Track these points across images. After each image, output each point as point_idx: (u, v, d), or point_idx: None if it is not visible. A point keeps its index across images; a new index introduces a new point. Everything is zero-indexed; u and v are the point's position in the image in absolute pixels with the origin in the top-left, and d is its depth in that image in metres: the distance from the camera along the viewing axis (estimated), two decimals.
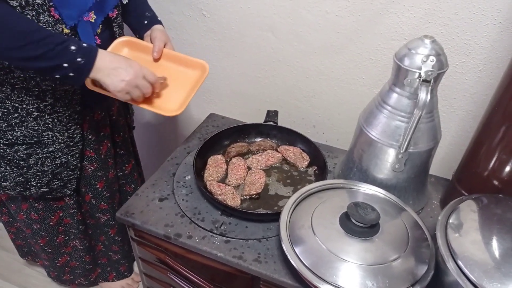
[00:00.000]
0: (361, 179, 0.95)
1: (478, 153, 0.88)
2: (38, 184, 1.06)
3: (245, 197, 0.98)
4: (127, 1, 1.01)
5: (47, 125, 0.98)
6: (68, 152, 1.05)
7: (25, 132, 0.97)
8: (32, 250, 1.45)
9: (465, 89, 1.05)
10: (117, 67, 0.85)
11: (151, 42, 1.02)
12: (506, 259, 0.68)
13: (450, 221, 0.76)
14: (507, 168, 0.84)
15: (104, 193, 1.23)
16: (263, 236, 0.89)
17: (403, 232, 0.79)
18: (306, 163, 1.09)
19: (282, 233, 0.79)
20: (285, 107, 1.32)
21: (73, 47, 0.79)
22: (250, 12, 1.17)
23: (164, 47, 1.01)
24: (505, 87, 0.80)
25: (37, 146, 1.00)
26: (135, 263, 1.56)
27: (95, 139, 1.12)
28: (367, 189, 0.92)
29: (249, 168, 1.06)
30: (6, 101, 0.92)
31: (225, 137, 1.14)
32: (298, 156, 1.10)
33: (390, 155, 0.87)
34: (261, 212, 0.94)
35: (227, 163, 1.07)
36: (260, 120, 1.21)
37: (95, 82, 0.91)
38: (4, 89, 0.90)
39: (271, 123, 1.18)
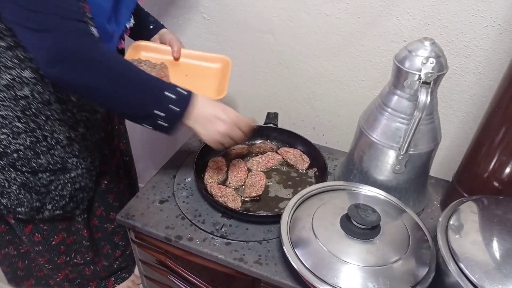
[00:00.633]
0: (361, 181, 0.95)
1: (478, 155, 0.89)
2: (54, 208, 1.03)
3: (245, 199, 0.98)
4: (131, 25, 1.00)
5: (74, 152, 0.97)
6: (87, 177, 1.05)
7: (50, 159, 0.94)
8: (18, 275, 1.36)
9: (464, 90, 1.05)
10: (212, 117, 0.83)
11: (163, 43, 1.06)
12: (507, 260, 0.68)
13: (451, 222, 0.76)
14: (507, 169, 0.85)
15: (115, 204, 1.23)
16: (263, 238, 0.89)
17: (403, 234, 0.79)
18: (306, 165, 1.09)
19: (283, 235, 0.79)
20: (285, 109, 1.32)
21: (169, 94, 0.78)
22: (250, 15, 1.18)
23: None
24: (504, 88, 0.81)
25: (60, 172, 0.98)
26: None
27: (107, 152, 1.12)
28: (367, 190, 0.92)
29: (249, 170, 1.06)
30: (38, 130, 0.89)
31: None
32: (298, 158, 1.10)
33: (391, 156, 0.87)
34: (262, 214, 0.94)
35: (227, 165, 1.07)
36: (260, 122, 1.21)
37: None
38: (37, 120, 0.88)
39: (271, 125, 1.18)
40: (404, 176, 0.90)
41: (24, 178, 0.94)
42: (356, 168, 0.96)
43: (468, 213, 0.79)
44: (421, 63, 0.77)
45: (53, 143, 0.93)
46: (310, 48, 1.16)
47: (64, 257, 1.25)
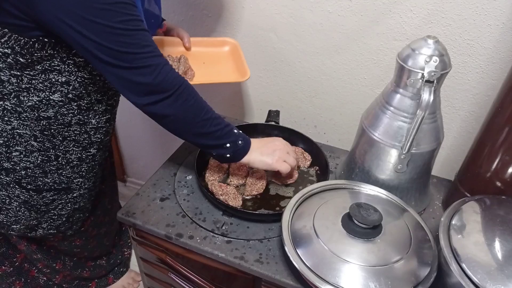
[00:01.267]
0: (363, 180, 0.94)
1: (480, 154, 0.88)
2: (48, 227, 1.03)
3: (246, 197, 0.97)
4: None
5: (81, 173, 0.97)
6: (87, 197, 1.05)
7: (57, 179, 0.94)
8: None
9: (467, 89, 1.05)
10: (266, 144, 0.92)
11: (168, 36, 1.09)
12: (509, 260, 0.67)
13: (453, 222, 0.76)
14: (510, 169, 0.84)
15: (108, 206, 1.23)
16: (264, 236, 0.89)
17: (405, 233, 0.79)
18: (308, 163, 1.09)
19: (284, 234, 0.78)
20: (286, 107, 1.31)
21: (235, 131, 0.87)
22: (252, 12, 1.17)
23: None
24: (508, 87, 0.80)
25: (63, 192, 0.98)
26: (132, 260, 1.56)
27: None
28: (369, 190, 0.91)
29: (250, 168, 1.06)
30: (51, 150, 0.89)
31: None
32: (300, 156, 1.09)
33: (393, 155, 0.87)
34: (263, 212, 0.93)
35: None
36: (262, 120, 1.21)
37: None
38: (55, 140, 0.88)
39: (273, 123, 1.18)
40: (406, 175, 0.89)
41: (28, 196, 0.93)
42: (357, 167, 0.96)
43: (470, 213, 0.78)
44: (424, 61, 0.76)
45: (63, 163, 0.92)
46: (312, 46, 1.15)
47: (60, 262, 1.26)
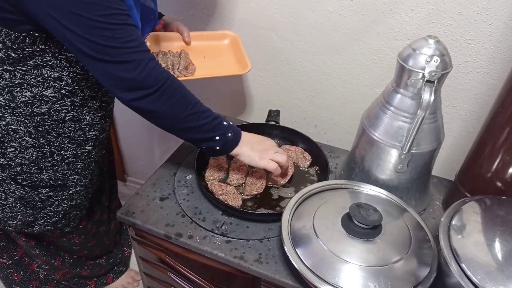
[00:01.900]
0: (363, 180, 0.94)
1: (481, 155, 0.88)
2: (45, 223, 1.03)
3: (246, 197, 0.97)
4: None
5: (76, 170, 0.97)
6: (84, 194, 1.05)
7: (52, 175, 0.94)
8: None
9: (468, 89, 1.05)
10: (258, 141, 0.92)
11: (168, 31, 1.10)
12: (509, 261, 0.67)
13: (453, 222, 0.75)
14: (511, 170, 0.84)
15: (105, 203, 1.23)
16: (264, 236, 0.89)
17: (405, 234, 0.78)
18: (308, 163, 1.09)
19: (283, 234, 0.78)
20: (286, 106, 1.31)
21: (225, 123, 0.85)
22: (252, 12, 1.17)
23: None
24: (509, 88, 0.80)
25: (59, 188, 0.98)
26: (131, 259, 1.56)
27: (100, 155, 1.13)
28: (369, 190, 0.91)
29: (250, 168, 1.06)
30: (46, 146, 0.89)
31: None
32: (300, 156, 1.09)
33: (393, 155, 0.87)
34: (263, 212, 0.93)
35: (228, 162, 1.07)
36: (262, 119, 1.20)
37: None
38: (49, 136, 0.88)
39: (273, 122, 1.17)
40: (406, 175, 0.89)
41: (23, 192, 0.93)
42: (358, 166, 0.96)
43: (471, 213, 0.78)
44: (425, 61, 0.76)
45: (59, 160, 0.92)
46: (313, 46, 1.15)
47: (58, 258, 1.25)
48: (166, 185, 1.02)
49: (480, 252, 0.69)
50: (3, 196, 0.93)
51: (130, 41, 0.70)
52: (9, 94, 0.78)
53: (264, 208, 0.95)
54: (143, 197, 0.98)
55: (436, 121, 0.85)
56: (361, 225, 0.75)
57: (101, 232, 1.29)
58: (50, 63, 0.77)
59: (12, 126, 0.83)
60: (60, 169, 0.94)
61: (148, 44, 0.98)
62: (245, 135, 0.90)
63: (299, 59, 1.20)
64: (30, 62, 0.75)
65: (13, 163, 0.88)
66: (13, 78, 0.76)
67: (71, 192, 1.00)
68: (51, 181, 0.95)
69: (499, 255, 0.68)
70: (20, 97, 0.79)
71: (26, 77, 0.77)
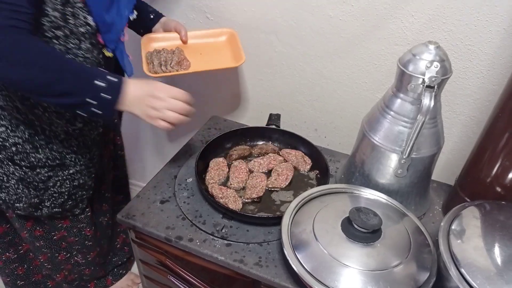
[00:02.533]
0: (363, 184, 0.94)
1: (481, 159, 0.88)
2: (52, 205, 1.04)
3: (246, 200, 0.97)
4: (135, 17, 1.01)
5: (72, 148, 0.97)
6: (86, 174, 1.05)
7: (49, 155, 0.95)
8: (18, 285, 1.34)
9: (468, 94, 1.05)
10: (143, 95, 0.82)
11: (167, 32, 1.12)
12: (508, 266, 0.67)
13: (453, 227, 0.76)
14: (510, 175, 0.84)
15: (106, 194, 1.23)
16: (264, 240, 0.89)
17: (405, 238, 0.79)
18: (308, 167, 1.09)
19: (283, 237, 0.78)
20: (287, 110, 1.32)
21: (98, 82, 0.77)
22: (253, 15, 1.17)
23: None
24: (509, 93, 0.80)
25: (58, 168, 0.98)
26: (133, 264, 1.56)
27: (102, 145, 1.13)
28: (369, 194, 0.91)
29: (250, 171, 1.06)
30: (36, 122, 0.90)
31: (227, 140, 1.14)
32: (300, 160, 1.10)
33: (393, 160, 0.87)
34: (263, 215, 0.93)
35: (229, 166, 1.07)
36: (262, 123, 1.21)
37: (150, 69, 1.02)
38: (36, 111, 0.88)
39: (274, 126, 1.18)
40: (406, 179, 0.89)
41: (23, 173, 0.95)
42: (358, 171, 0.96)
43: (470, 218, 0.78)
44: (425, 66, 0.76)
45: (51, 137, 0.93)
46: (313, 50, 1.16)
47: (64, 254, 1.25)
48: (167, 188, 1.02)
49: (480, 257, 0.69)
50: (4, 178, 0.95)
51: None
52: None
53: (264, 211, 0.95)
54: (144, 199, 0.98)
55: (436, 126, 0.85)
56: (361, 229, 0.75)
57: (104, 223, 1.29)
58: None
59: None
60: (55, 147, 0.94)
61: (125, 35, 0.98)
62: (130, 90, 0.80)
63: (300, 63, 1.20)
64: None
65: (7, 144, 0.89)
66: None
67: (71, 171, 1.00)
68: (49, 161, 0.95)
69: (499, 260, 0.68)
70: None
71: None
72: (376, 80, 1.13)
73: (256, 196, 0.97)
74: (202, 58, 1.12)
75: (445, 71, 0.77)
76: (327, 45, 1.13)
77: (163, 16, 1.15)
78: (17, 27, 0.70)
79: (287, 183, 1.02)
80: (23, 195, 0.99)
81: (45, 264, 1.27)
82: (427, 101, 0.76)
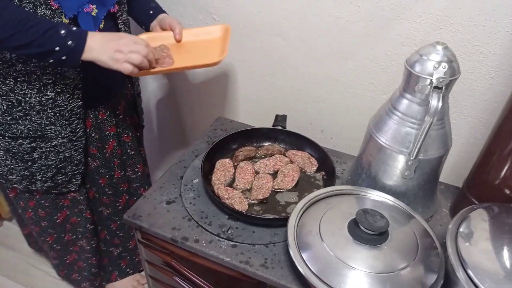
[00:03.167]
0: (370, 186, 0.94)
1: (489, 161, 0.87)
2: (43, 178, 1.08)
3: (252, 201, 0.97)
4: (115, 10, 1.01)
5: (49, 119, 0.99)
6: (71, 147, 1.06)
7: (29, 126, 0.99)
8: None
9: (476, 95, 1.04)
10: (107, 41, 0.86)
11: (163, 29, 1.10)
12: None
13: (461, 230, 0.75)
14: None
15: (107, 190, 1.23)
16: (270, 241, 0.89)
17: (412, 240, 0.78)
18: (314, 168, 1.08)
19: (289, 239, 0.78)
20: (293, 111, 1.31)
21: (62, 31, 0.81)
22: (259, 17, 1.17)
23: None
24: None
25: (40, 140, 1.01)
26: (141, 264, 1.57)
27: (99, 138, 1.13)
28: (376, 195, 0.91)
29: (256, 172, 1.06)
30: (10, 94, 0.94)
31: (233, 140, 1.14)
32: (306, 161, 1.09)
33: (400, 161, 0.86)
34: (269, 217, 0.93)
35: (234, 167, 1.07)
36: (268, 124, 1.21)
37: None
38: (7, 82, 0.92)
39: (280, 127, 1.18)
40: (413, 181, 0.89)
41: (7, 143, 1.00)
42: (364, 172, 0.96)
43: (478, 220, 0.78)
44: (433, 67, 0.76)
45: (27, 108, 0.96)
46: (320, 51, 1.15)
47: (70, 235, 1.28)
48: (173, 188, 1.02)
49: (488, 260, 0.68)
50: None
51: None
52: None
53: (270, 213, 0.95)
54: (150, 200, 0.98)
55: (444, 127, 0.84)
56: (367, 231, 0.75)
57: (104, 214, 1.30)
58: None
59: None
60: (33, 118, 0.98)
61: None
62: (93, 38, 0.84)
63: (306, 64, 1.20)
64: None
65: None
66: None
67: (53, 144, 1.03)
68: (30, 132, 0.99)
69: (507, 264, 0.68)
70: None
71: None
72: (382, 81, 1.13)
73: (262, 197, 0.97)
74: (188, 56, 1.06)
75: (453, 72, 0.77)
76: (333, 46, 1.13)
77: (163, 12, 1.14)
78: None
79: (293, 185, 1.01)
80: (12, 166, 1.05)
81: (54, 246, 1.29)
82: (435, 102, 0.76)
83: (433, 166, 0.88)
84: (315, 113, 1.29)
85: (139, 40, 0.91)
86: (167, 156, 1.76)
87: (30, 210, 1.18)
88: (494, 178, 0.87)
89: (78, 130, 1.05)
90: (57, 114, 0.99)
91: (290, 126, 1.21)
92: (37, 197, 1.15)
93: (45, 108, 0.97)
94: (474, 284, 0.65)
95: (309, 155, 1.12)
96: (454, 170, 1.16)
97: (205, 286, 0.99)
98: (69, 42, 0.81)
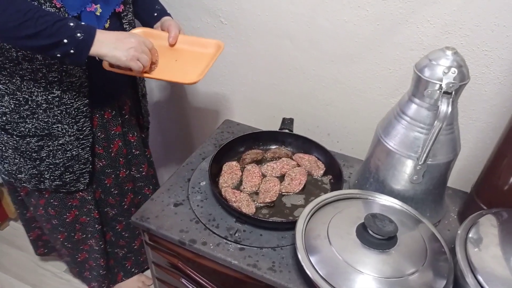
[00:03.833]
0: (377, 190, 0.94)
1: (498, 166, 0.87)
2: (52, 177, 1.09)
3: (259, 204, 0.97)
4: (120, 10, 1.02)
5: (56, 117, 1.00)
6: (78, 145, 1.07)
7: (36, 124, 1.00)
8: (52, 245, 1.46)
9: (484, 100, 1.04)
10: (120, 39, 0.87)
11: (163, 31, 1.08)
12: None
13: (470, 235, 0.75)
14: None
15: (112, 190, 1.24)
16: (277, 244, 0.89)
17: (421, 245, 0.78)
18: (321, 172, 1.08)
19: (297, 242, 0.78)
20: (300, 114, 1.32)
21: (72, 24, 0.81)
22: (267, 20, 1.18)
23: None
24: None
25: (48, 138, 1.03)
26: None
27: (104, 137, 1.14)
28: (384, 200, 0.91)
29: (263, 175, 1.06)
30: (17, 92, 0.95)
31: (240, 143, 1.14)
32: (313, 165, 1.09)
33: (408, 166, 0.86)
34: (277, 220, 0.93)
35: (242, 170, 1.07)
36: (275, 127, 1.21)
37: (110, 64, 0.94)
38: (14, 80, 0.93)
39: (287, 130, 1.18)
40: (421, 186, 0.88)
41: (15, 142, 1.01)
42: (372, 176, 0.95)
43: (488, 226, 0.77)
44: (442, 72, 0.76)
45: (34, 106, 0.97)
46: (327, 54, 1.16)
47: (80, 234, 1.29)
48: (180, 191, 1.02)
49: (498, 266, 0.68)
50: (3, 148, 1.04)
51: None
52: None
53: (277, 216, 0.95)
54: (158, 202, 0.99)
55: (453, 132, 0.84)
56: (376, 235, 0.75)
57: (110, 214, 1.31)
58: None
59: None
60: (40, 116, 0.99)
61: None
62: (104, 34, 0.85)
63: (314, 67, 1.20)
64: None
65: None
66: None
67: (60, 142, 1.04)
68: (37, 131, 1.01)
69: None
70: None
71: None
72: (390, 85, 1.13)
73: (270, 200, 0.97)
74: (172, 65, 1.03)
75: (463, 77, 0.77)
76: (341, 50, 1.13)
77: (167, 15, 1.13)
78: None
79: (300, 188, 1.01)
80: (20, 165, 1.06)
81: (65, 243, 1.31)
82: (445, 107, 0.76)
83: (441, 171, 0.87)
84: (322, 116, 1.29)
85: (147, 41, 0.93)
86: (174, 158, 1.76)
87: (41, 208, 1.20)
88: (503, 183, 0.86)
89: (84, 128, 1.06)
90: (64, 112, 1.00)
91: (297, 129, 1.21)
92: (47, 196, 1.16)
93: (52, 106, 0.98)
94: None
95: (316, 158, 1.12)
96: (462, 175, 1.16)
97: None
98: (78, 34, 0.81)
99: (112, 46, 0.86)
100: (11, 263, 1.68)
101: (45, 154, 1.05)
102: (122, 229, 1.37)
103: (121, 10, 1.01)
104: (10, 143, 1.02)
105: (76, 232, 1.28)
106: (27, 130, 1.00)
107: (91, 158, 1.12)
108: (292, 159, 1.13)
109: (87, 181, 1.15)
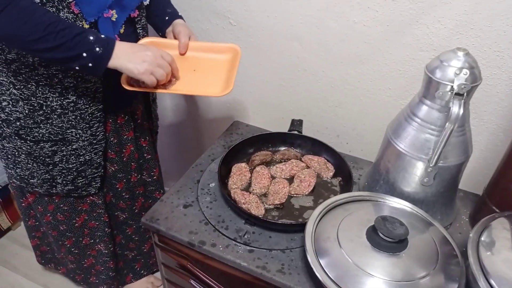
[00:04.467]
0: (387, 192, 0.93)
1: (510, 169, 0.86)
2: (64, 182, 1.09)
3: (268, 206, 0.97)
4: (148, 3, 1.03)
5: (70, 123, 1.01)
6: (91, 150, 1.07)
7: (50, 129, 1.00)
8: (55, 257, 1.46)
9: (496, 102, 1.03)
10: (135, 51, 0.88)
11: (175, 38, 1.06)
12: None
13: (482, 238, 0.74)
14: None
15: (124, 194, 1.25)
16: (287, 246, 0.88)
17: (432, 248, 0.77)
18: (331, 173, 1.08)
19: (307, 245, 0.78)
20: (309, 116, 1.31)
21: (91, 37, 0.82)
22: (276, 21, 1.18)
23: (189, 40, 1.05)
24: None
25: (61, 143, 1.03)
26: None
27: (117, 142, 1.15)
28: (394, 202, 0.90)
29: (273, 177, 1.06)
30: (32, 98, 0.95)
31: (249, 145, 1.14)
32: (322, 166, 1.09)
33: (419, 168, 0.86)
34: (286, 222, 0.93)
35: (251, 171, 1.07)
36: (284, 128, 1.21)
37: (130, 82, 0.94)
38: (29, 86, 0.94)
39: (296, 132, 1.17)
40: (432, 188, 0.88)
41: (28, 147, 1.02)
42: (382, 178, 0.95)
43: (500, 229, 0.76)
44: (454, 74, 0.75)
45: (49, 111, 0.98)
46: (336, 56, 1.15)
47: (88, 239, 1.30)
48: (190, 192, 1.03)
49: (510, 270, 0.67)
50: (15, 153, 1.04)
51: None
52: None
53: (287, 218, 0.95)
54: (167, 204, 0.99)
55: (464, 134, 0.83)
56: (386, 238, 0.74)
57: (120, 218, 1.32)
58: None
59: None
60: (54, 122, 0.99)
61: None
62: (120, 46, 0.86)
63: (323, 69, 1.20)
64: None
65: (11, 118, 0.98)
66: None
67: (74, 147, 1.04)
68: (51, 136, 1.01)
69: None
70: None
71: None
72: (400, 86, 1.12)
73: (279, 202, 0.97)
74: (192, 76, 0.99)
75: (475, 79, 0.76)
76: (351, 51, 1.12)
77: (179, 18, 1.11)
78: None
79: (309, 190, 1.01)
80: (33, 170, 1.06)
81: (72, 249, 1.31)
82: (456, 109, 0.75)
83: (452, 173, 0.87)
84: (331, 117, 1.29)
85: (166, 55, 0.92)
86: (183, 159, 1.77)
87: (49, 214, 1.20)
88: None
89: (98, 133, 1.06)
90: (78, 117, 1.01)
91: (306, 131, 1.21)
92: (56, 201, 1.17)
93: (66, 111, 0.99)
94: None
95: (326, 160, 1.12)
96: (473, 177, 1.15)
97: None
98: (97, 49, 0.83)
99: (127, 59, 0.86)
100: (22, 263, 1.69)
101: (58, 159, 1.05)
102: (132, 233, 1.38)
103: (136, 16, 1.01)
104: (23, 148, 1.02)
105: (84, 237, 1.28)
106: (41, 135, 1.00)
107: (103, 163, 1.12)
108: (301, 160, 1.12)
109: (98, 185, 1.15)
